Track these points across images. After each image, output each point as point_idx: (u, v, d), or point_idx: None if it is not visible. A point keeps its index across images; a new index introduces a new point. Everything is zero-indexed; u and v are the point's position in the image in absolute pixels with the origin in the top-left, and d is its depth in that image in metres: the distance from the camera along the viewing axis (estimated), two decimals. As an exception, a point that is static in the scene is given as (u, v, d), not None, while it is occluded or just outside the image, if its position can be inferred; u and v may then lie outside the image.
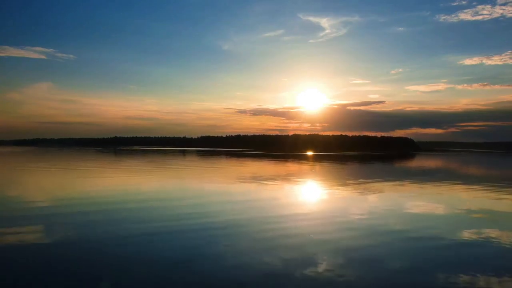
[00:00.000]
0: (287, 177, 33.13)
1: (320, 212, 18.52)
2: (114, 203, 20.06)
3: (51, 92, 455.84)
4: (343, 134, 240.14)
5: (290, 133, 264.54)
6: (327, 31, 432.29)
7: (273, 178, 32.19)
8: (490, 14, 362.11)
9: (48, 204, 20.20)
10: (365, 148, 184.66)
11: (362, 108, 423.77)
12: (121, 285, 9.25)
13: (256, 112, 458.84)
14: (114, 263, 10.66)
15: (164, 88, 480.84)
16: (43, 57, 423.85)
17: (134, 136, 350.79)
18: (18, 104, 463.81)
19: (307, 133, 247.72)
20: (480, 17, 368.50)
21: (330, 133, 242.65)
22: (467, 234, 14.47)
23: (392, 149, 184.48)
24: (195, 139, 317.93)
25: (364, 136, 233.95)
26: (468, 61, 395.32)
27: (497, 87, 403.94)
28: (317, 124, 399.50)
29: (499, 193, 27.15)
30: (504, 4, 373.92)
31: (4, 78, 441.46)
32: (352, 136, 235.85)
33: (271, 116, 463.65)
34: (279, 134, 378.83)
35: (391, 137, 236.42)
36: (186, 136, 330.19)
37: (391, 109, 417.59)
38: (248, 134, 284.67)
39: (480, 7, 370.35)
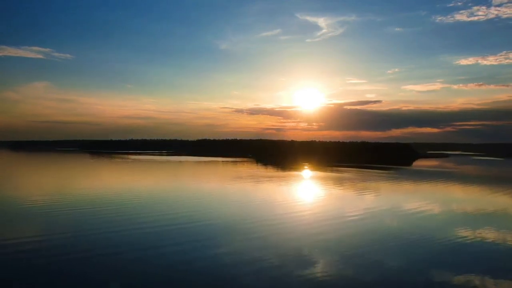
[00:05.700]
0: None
1: None
2: None
3: (48, 91, 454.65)
4: (340, 141, 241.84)
5: (287, 133, 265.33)
6: (324, 30, 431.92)
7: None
8: (485, 15, 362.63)
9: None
10: (363, 155, 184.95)
11: (358, 107, 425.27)
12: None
13: (253, 112, 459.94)
14: None
15: (161, 87, 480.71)
16: (40, 56, 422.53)
17: (130, 139, 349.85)
18: (15, 103, 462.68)
19: (304, 140, 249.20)
20: (475, 18, 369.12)
21: (326, 133, 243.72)
22: None
23: (390, 157, 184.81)
24: (191, 141, 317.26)
25: (361, 143, 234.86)
26: (463, 61, 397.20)
27: (492, 87, 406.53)
28: (314, 124, 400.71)
29: None
30: (499, 5, 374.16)
31: (1, 77, 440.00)
32: (350, 143, 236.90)
33: (268, 116, 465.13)
34: (276, 135, 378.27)
35: (388, 143, 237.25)
36: (183, 139, 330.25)
37: (387, 108, 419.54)
38: (245, 138, 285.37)
39: (475, 8, 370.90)
